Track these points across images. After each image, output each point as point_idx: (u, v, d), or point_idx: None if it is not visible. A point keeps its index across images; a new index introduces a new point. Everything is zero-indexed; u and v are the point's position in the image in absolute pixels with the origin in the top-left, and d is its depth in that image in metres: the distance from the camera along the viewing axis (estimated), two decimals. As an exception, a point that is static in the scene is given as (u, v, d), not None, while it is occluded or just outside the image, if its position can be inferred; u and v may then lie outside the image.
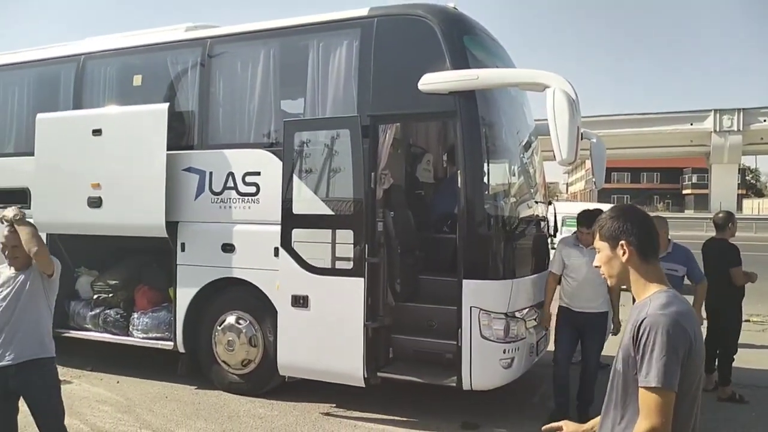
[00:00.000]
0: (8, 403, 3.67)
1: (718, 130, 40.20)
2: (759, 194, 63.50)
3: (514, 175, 5.98)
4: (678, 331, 1.91)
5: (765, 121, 39.18)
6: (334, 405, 5.65)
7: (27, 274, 3.67)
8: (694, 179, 62.21)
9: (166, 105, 6.13)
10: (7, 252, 3.69)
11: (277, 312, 5.63)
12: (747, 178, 57.73)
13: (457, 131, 5.24)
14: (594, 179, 7.32)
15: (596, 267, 2.23)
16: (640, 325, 1.97)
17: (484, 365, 5.07)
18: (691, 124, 40.48)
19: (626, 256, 2.08)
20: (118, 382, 6.32)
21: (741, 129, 39.78)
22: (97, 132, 6.34)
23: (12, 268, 3.71)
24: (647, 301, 2.04)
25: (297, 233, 5.53)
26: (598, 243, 2.19)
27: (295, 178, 5.56)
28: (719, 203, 34.53)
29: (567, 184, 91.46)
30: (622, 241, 2.09)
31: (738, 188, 45.78)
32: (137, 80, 6.78)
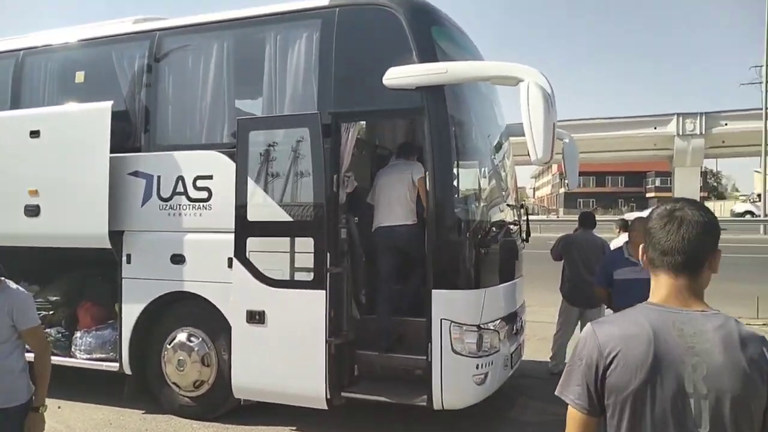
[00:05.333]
0: None
1: (681, 133, 40.87)
2: (720, 197, 65.05)
3: (485, 177, 5.71)
4: (586, 342, 1.77)
5: (726, 124, 39.89)
6: (295, 428, 5.25)
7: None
8: (658, 182, 63.34)
9: (110, 103, 5.67)
10: None
11: (231, 328, 5.21)
12: (709, 180, 59.04)
13: (425, 130, 4.90)
14: (567, 180, 7.11)
15: None
16: None
17: (455, 382, 4.73)
18: (655, 128, 41.09)
19: None
20: (59, 407, 5.75)
21: (703, 132, 40.50)
22: (35, 134, 5.91)
23: None
24: None
25: (252, 242, 5.13)
26: None
27: (250, 181, 5.17)
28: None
29: (534, 188, 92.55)
30: None
31: (700, 191, 46.65)
32: (80, 77, 6.33)
